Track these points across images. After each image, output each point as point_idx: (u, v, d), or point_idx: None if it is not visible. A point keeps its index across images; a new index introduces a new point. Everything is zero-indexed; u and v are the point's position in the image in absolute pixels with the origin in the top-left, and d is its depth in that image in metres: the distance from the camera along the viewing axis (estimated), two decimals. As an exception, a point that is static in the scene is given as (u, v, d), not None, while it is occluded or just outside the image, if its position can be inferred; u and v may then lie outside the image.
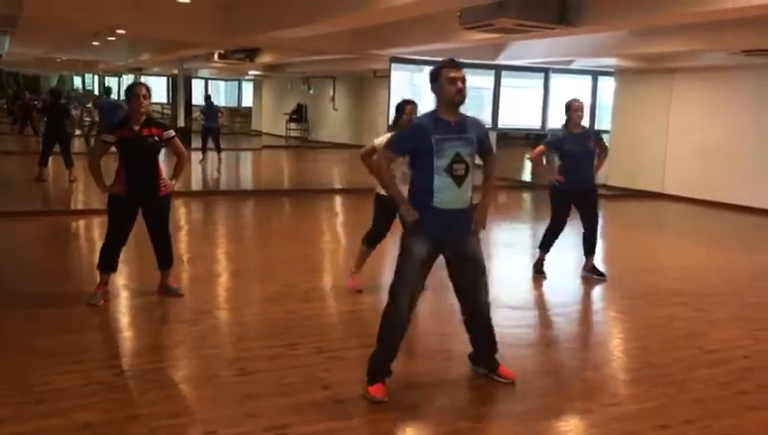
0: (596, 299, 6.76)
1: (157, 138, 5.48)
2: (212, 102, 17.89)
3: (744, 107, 12.13)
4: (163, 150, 5.72)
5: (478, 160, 4.14)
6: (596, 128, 12.45)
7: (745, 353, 4.94)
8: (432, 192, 3.88)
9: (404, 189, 4.11)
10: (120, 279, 6.74)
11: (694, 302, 6.25)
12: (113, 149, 5.52)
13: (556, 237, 6.92)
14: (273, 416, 3.64)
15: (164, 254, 5.72)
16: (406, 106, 5.88)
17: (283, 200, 12.50)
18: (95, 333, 5.12)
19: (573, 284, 6.90)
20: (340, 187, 14.88)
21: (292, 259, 7.54)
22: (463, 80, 3.92)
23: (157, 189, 5.52)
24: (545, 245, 6.97)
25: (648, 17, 7.42)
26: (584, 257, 6.97)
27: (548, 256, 7.00)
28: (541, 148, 6.92)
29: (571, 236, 7.21)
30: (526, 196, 14.16)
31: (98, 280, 5.60)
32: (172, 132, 5.68)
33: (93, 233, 9.11)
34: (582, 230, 6.94)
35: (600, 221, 7.20)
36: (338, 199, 12.78)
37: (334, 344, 4.83)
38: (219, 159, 17.03)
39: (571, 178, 6.66)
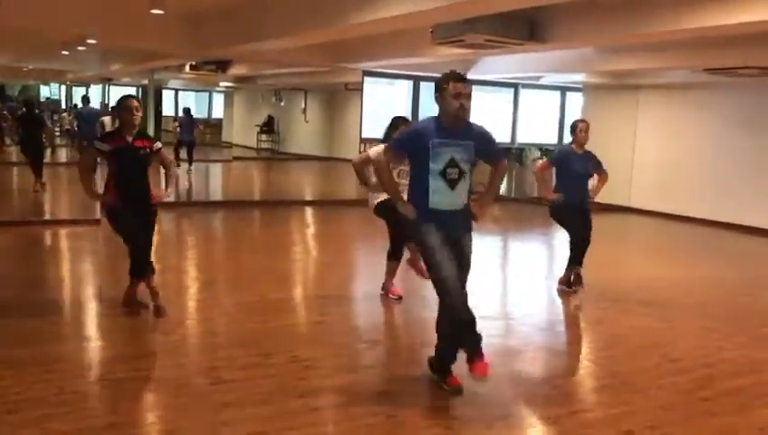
0: (564, 310, 6.89)
1: (148, 150, 5.52)
2: (191, 115, 17.89)
3: (708, 123, 12.45)
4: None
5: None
6: (563, 142, 12.66)
7: (708, 362, 5.10)
8: (427, 194, 4.05)
9: (403, 186, 4.34)
10: (90, 289, 6.72)
11: (659, 312, 6.41)
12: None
13: (580, 248, 6.82)
14: (249, 424, 3.68)
15: (144, 262, 5.62)
16: (400, 124, 6.00)
17: (254, 212, 12.49)
18: (67, 343, 5.09)
19: (542, 294, 7.03)
20: (311, 198, 14.91)
21: (264, 270, 7.56)
22: (468, 96, 4.02)
23: (148, 199, 5.53)
24: (574, 259, 6.86)
25: (614, 36, 7.65)
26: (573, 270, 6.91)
27: (519, 266, 7.09)
28: (545, 162, 6.99)
29: (542, 248, 7.34)
30: (496, 208, 14.32)
31: (134, 288, 5.61)
32: (160, 144, 5.70)
33: (62, 243, 9.05)
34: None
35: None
36: (309, 211, 12.81)
37: (308, 353, 4.87)
38: (190, 170, 16.98)
39: (569, 195, 6.65)
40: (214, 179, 18.82)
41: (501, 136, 14.39)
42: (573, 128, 6.79)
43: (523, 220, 12.63)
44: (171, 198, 6.04)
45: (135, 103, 5.46)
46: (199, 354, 4.93)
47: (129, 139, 5.44)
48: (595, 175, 6.93)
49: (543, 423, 4.02)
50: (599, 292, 7.14)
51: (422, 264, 6.08)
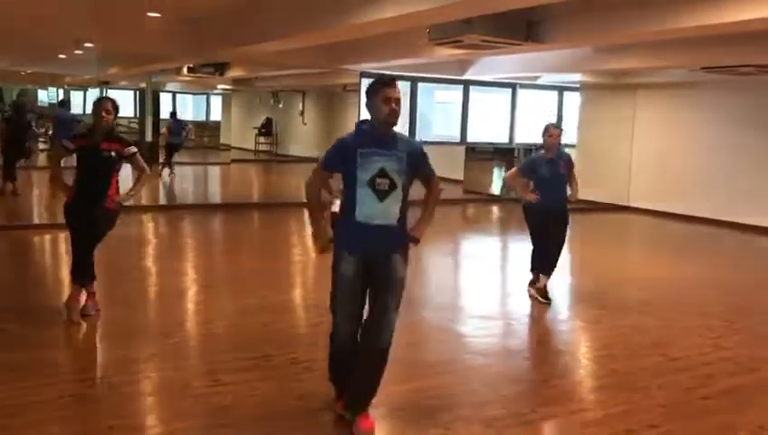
0: (563, 309, 6.89)
1: (114, 153, 5.45)
2: (177, 118, 17.91)
3: (706, 122, 12.47)
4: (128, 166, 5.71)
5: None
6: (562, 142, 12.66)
7: (707, 361, 5.11)
8: (354, 205, 3.78)
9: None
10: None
11: (658, 311, 6.42)
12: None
13: (542, 256, 6.69)
14: (248, 426, 3.69)
15: (83, 265, 5.56)
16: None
17: (252, 214, 12.50)
18: (66, 347, 5.11)
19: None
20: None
21: (263, 272, 7.57)
22: (397, 100, 3.79)
23: (101, 201, 5.43)
24: (535, 267, 6.73)
25: (611, 35, 7.65)
26: (536, 274, 6.75)
27: (517, 266, 7.10)
28: (514, 171, 7.00)
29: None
30: (494, 209, 14.34)
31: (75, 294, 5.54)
32: (134, 149, 5.62)
33: (58, 247, 9.03)
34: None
35: (568, 233, 7.30)
36: (307, 213, 12.78)
37: (307, 356, 4.88)
38: (172, 173, 17.00)
39: (542, 198, 6.53)
40: (212, 182, 18.82)
41: (499, 136, 14.44)
42: (545, 131, 6.62)
43: (520, 221, 12.60)
44: (130, 202, 6.00)
45: (106, 105, 5.44)
46: (198, 357, 4.93)
47: (96, 140, 5.42)
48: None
49: (544, 423, 4.03)
50: (597, 291, 7.15)
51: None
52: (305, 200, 4.07)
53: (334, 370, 4.01)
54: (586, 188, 13.73)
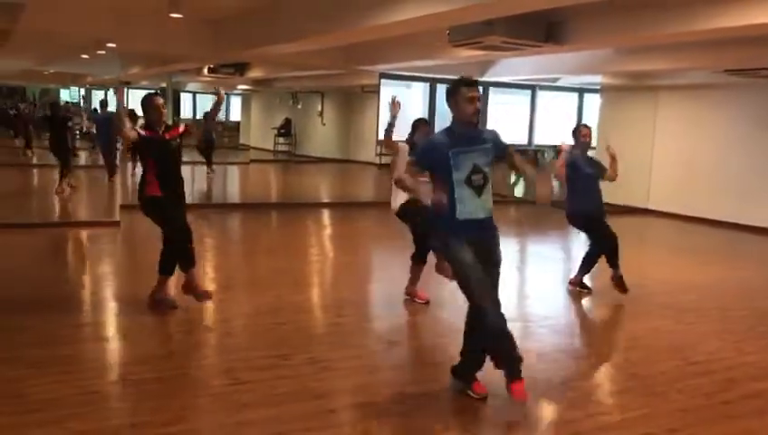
0: (582, 312, 6.87)
1: (178, 139, 5.76)
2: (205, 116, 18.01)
3: (727, 125, 12.34)
4: None
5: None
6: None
7: (729, 365, 5.05)
8: (454, 204, 4.00)
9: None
10: (110, 290, 6.78)
11: (678, 315, 6.37)
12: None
13: (612, 251, 6.80)
14: (268, 425, 3.70)
15: (191, 251, 5.86)
16: (420, 126, 6.19)
17: (271, 214, 12.54)
18: (86, 344, 5.15)
19: (560, 297, 7.00)
20: (328, 200, 14.96)
21: (282, 271, 7.59)
22: (479, 99, 4.08)
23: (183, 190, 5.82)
24: (612, 265, 6.83)
25: (632, 37, 7.61)
26: (573, 273, 6.96)
27: (536, 268, 7.08)
28: (562, 162, 6.96)
29: (559, 251, 7.30)
30: (513, 210, 14.29)
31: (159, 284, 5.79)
32: (183, 124, 6.00)
33: (83, 245, 9.13)
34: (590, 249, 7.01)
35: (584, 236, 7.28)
36: (326, 213, 12.84)
37: (325, 355, 4.89)
38: (212, 171, 17.17)
39: (586, 200, 6.70)
40: (232, 182, 18.91)
41: (518, 138, 14.39)
42: (575, 132, 6.77)
43: (540, 222, 12.56)
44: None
45: (161, 101, 5.71)
46: (218, 355, 4.95)
47: (162, 134, 5.67)
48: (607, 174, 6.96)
49: (562, 426, 4.00)
50: (617, 294, 7.08)
51: (447, 265, 6.11)
52: (401, 186, 4.34)
53: (503, 352, 4.10)
54: (605, 191, 13.62)
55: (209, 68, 16.21)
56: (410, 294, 6.29)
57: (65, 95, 35.93)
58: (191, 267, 5.80)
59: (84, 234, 9.47)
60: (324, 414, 3.94)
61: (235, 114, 30.67)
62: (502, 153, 4.31)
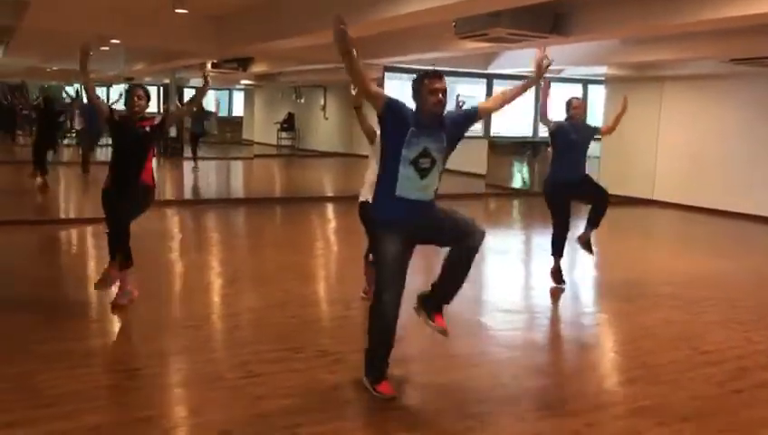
0: (589, 302, 6.88)
1: (147, 128, 5.61)
2: (204, 108, 18.03)
3: (733, 115, 12.32)
4: None
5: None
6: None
7: (739, 354, 5.05)
8: (396, 181, 3.99)
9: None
10: (114, 287, 6.77)
11: (687, 305, 6.37)
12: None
13: (564, 239, 6.79)
14: (284, 416, 3.71)
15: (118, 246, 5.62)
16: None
17: (276, 208, 12.55)
18: (97, 339, 5.17)
19: (568, 288, 6.99)
20: (332, 194, 14.97)
21: (287, 266, 7.60)
22: (444, 91, 4.00)
23: (136, 184, 5.59)
24: (556, 252, 6.82)
25: (639, 27, 7.57)
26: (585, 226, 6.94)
27: (541, 259, 7.08)
28: (547, 94, 6.94)
29: (572, 240, 7.26)
30: (516, 202, 14.30)
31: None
32: (159, 116, 5.89)
33: (85, 242, 9.14)
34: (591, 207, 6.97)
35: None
36: (330, 207, 12.85)
37: (335, 347, 4.90)
38: (196, 167, 17.18)
39: (565, 168, 6.69)
40: (236, 177, 18.93)
41: (523, 130, 14.37)
42: (568, 105, 6.79)
43: (544, 214, 12.55)
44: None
45: (138, 91, 5.59)
46: (229, 349, 4.96)
47: (131, 124, 5.57)
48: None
49: (575, 415, 4.00)
50: (624, 284, 7.10)
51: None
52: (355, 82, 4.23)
53: (378, 342, 4.09)
54: (610, 182, 13.66)
55: (213, 63, 16.17)
56: (368, 293, 5.88)
57: (69, 91, 35.86)
58: (119, 268, 5.61)
59: (86, 231, 9.44)
60: (340, 405, 3.96)
61: (238, 109, 30.64)
62: (473, 122, 4.30)
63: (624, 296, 6.68)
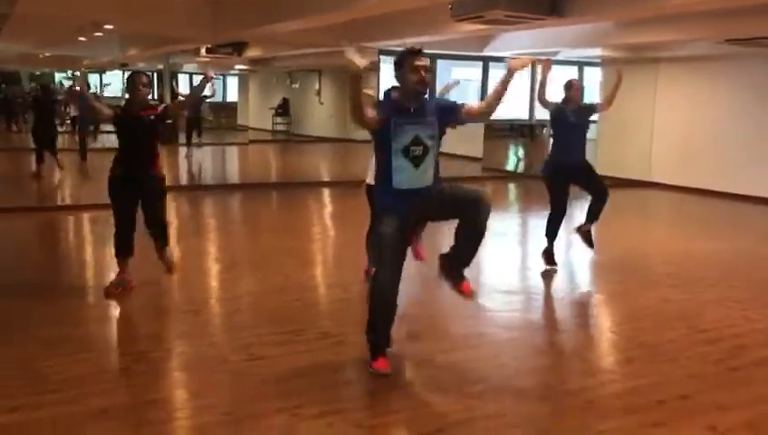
0: (588, 283, 6.92)
1: (152, 116, 5.59)
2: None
3: (729, 96, 12.33)
4: None
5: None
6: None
7: (736, 332, 5.10)
8: (390, 174, 4.00)
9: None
10: (113, 272, 6.79)
11: (684, 285, 6.42)
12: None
13: (559, 223, 6.81)
14: (286, 398, 3.74)
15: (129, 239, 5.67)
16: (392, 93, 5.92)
17: (272, 193, 12.55)
18: (98, 324, 5.19)
19: (565, 269, 7.04)
20: (327, 179, 14.97)
21: (285, 250, 7.61)
22: (426, 68, 3.98)
23: (146, 170, 5.60)
24: (550, 233, 6.84)
25: (635, 8, 7.56)
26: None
27: (537, 241, 7.11)
28: (547, 74, 6.92)
29: (569, 222, 7.29)
30: (512, 186, 14.32)
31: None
32: (163, 104, 5.96)
33: (80, 228, 9.15)
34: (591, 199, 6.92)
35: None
36: (326, 192, 12.85)
37: (336, 329, 4.93)
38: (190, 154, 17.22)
39: (565, 151, 6.71)
40: (231, 162, 18.90)
41: (519, 113, 14.34)
42: (568, 87, 6.80)
43: (540, 197, 12.57)
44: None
45: (141, 79, 5.55)
46: (230, 332, 4.98)
47: (134, 111, 5.54)
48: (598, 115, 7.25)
49: (575, 394, 4.04)
50: (621, 265, 7.15)
51: (421, 248, 6.11)
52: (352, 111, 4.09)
53: (377, 319, 4.12)
54: (606, 164, 13.61)
55: (207, 48, 16.11)
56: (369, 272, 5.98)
57: (64, 82, 35.69)
58: (125, 257, 5.66)
59: (85, 217, 9.45)
60: (341, 387, 4.01)
61: (232, 95, 30.52)
62: (454, 116, 4.22)
63: (623, 276, 6.72)
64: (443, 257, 4.34)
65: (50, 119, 12.85)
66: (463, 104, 4.30)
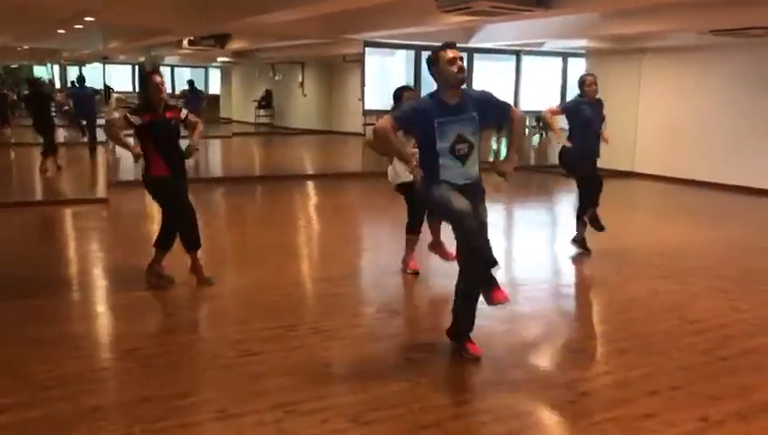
0: (579, 275, 6.95)
1: (177, 120, 5.67)
2: (195, 88, 17.85)
3: (712, 86, 12.42)
4: None
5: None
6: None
7: (725, 322, 5.15)
8: (438, 172, 4.09)
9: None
10: (105, 267, 6.74)
11: (673, 276, 6.46)
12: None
13: (590, 204, 7.11)
14: (280, 394, 3.73)
15: (196, 231, 5.76)
16: (404, 93, 5.95)
17: (257, 187, 12.47)
18: (88, 321, 5.14)
19: (557, 261, 7.07)
20: (313, 172, 14.92)
21: (275, 245, 7.58)
22: (462, 59, 4.08)
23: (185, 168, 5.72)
24: (581, 216, 7.12)
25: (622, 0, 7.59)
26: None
27: (527, 233, 7.14)
28: (556, 109, 7.09)
29: (549, 215, 7.35)
30: (495, 176, 14.32)
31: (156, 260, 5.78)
32: (185, 111, 5.84)
33: (71, 222, 9.06)
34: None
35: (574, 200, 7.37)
36: (311, 184, 12.81)
37: (329, 324, 4.92)
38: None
39: (583, 144, 6.92)
40: (214, 156, 18.77)
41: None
42: (582, 83, 6.93)
43: (526, 187, 12.63)
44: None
45: (159, 79, 5.55)
46: (223, 328, 4.95)
47: (162, 112, 5.55)
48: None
49: (568, 386, 4.06)
50: (610, 256, 7.19)
51: (445, 248, 6.12)
52: (377, 142, 4.26)
53: (473, 283, 4.27)
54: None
55: (190, 40, 15.98)
56: (405, 263, 6.30)
57: (41, 72, 35.22)
58: (196, 248, 5.75)
59: (73, 212, 9.39)
60: (336, 382, 4.00)
61: (214, 87, 30.31)
62: (499, 116, 4.34)
63: (612, 268, 6.77)
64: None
65: (47, 115, 12.81)
66: (509, 106, 4.40)
